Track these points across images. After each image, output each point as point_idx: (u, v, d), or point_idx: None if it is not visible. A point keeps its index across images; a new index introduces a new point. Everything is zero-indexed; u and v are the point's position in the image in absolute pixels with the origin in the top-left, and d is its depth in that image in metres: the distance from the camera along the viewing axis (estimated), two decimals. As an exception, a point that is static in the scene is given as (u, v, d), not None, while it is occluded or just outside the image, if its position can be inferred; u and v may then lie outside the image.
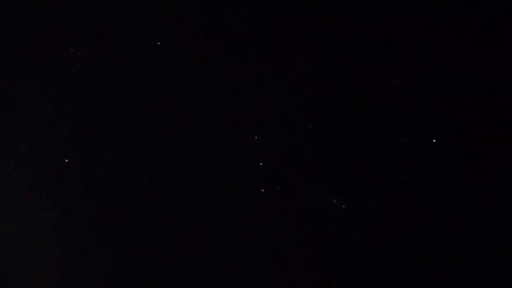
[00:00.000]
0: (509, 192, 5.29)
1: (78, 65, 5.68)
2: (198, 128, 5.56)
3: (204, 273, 5.47)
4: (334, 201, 5.45)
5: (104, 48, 5.65)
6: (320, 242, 5.44)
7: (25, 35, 5.71)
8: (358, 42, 5.49)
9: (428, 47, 5.45)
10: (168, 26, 5.64)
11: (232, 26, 5.58)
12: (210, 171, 5.52)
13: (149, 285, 5.50)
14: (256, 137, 5.51)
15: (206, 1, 5.64)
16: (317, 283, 5.42)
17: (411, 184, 5.39)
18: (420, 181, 5.39)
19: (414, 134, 5.42)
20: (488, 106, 5.38)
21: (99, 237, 5.55)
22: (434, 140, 5.40)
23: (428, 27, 5.46)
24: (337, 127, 5.48)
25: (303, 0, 5.56)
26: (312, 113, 5.51)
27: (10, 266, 5.55)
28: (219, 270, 5.46)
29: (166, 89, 5.61)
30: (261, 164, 5.49)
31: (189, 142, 5.57)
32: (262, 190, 5.47)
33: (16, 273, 5.55)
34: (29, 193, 5.60)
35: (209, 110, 5.57)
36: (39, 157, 5.62)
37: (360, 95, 5.47)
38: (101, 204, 5.56)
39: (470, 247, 5.30)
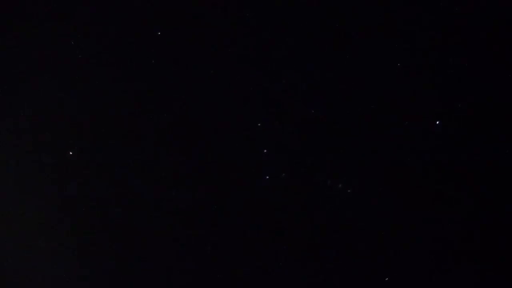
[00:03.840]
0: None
1: (80, 57, 5.68)
2: (202, 116, 5.56)
3: (210, 261, 5.50)
4: (340, 185, 5.46)
5: (107, 40, 5.64)
6: (326, 227, 5.46)
7: (27, 28, 5.69)
8: (360, 32, 5.47)
9: (431, 36, 5.44)
10: (172, 16, 5.63)
11: (236, 16, 5.57)
12: (215, 159, 5.53)
13: (158, 280, 5.54)
14: (259, 124, 5.52)
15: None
16: (322, 266, 5.45)
17: (415, 168, 5.40)
18: (424, 164, 5.40)
19: (417, 117, 5.42)
20: (492, 88, 5.37)
21: (103, 232, 5.57)
22: (437, 122, 5.40)
23: (432, 16, 5.45)
24: (341, 112, 5.48)
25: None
26: (315, 98, 5.51)
27: (12, 264, 5.57)
28: (225, 258, 5.49)
29: (169, 79, 5.61)
30: (265, 151, 5.50)
31: (193, 130, 5.58)
32: (267, 177, 5.49)
33: (19, 270, 5.57)
34: (32, 186, 5.61)
35: (212, 97, 5.57)
36: (42, 150, 5.63)
37: (363, 80, 5.47)
38: (106, 198, 5.57)
39: (473, 231, 5.32)
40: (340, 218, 5.45)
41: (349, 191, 5.46)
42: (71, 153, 5.60)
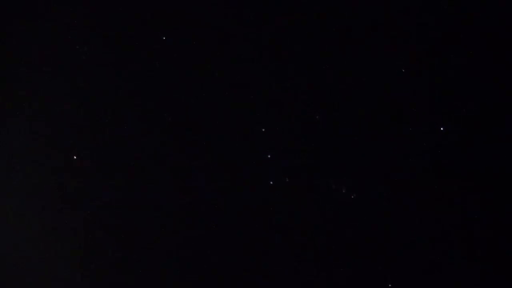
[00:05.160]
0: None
1: (83, 59, 5.67)
2: (206, 121, 5.56)
3: (212, 266, 5.51)
4: (343, 191, 5.46)
5: (110, 44, 5.63)
6: (330, 232, 5.46)
7: (31, 32, 5.69)
8: (364, 34, 5.46)
9: (434, 37, 5.42)
10: (174, 19, 5.62)
11: (240, 21, 5.56)
12: (219, 165, 5.54)
13: (160, 281, 5.55)
14: (263, 129, 5.51)
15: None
16: (325, 271, 5.46)
17: (419, 173, 5.39)
18: (428, 169, 5.39)
19: (422, 123, 5.41)
20: (496, 94, 5.36)
21: (106, 235, 5.59)
22: (442, 129, 5.39)
23: (435, 17, 5.43)
24: (344, 118, 5.47)
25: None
26: (319, 103, 5.50)
27: (13, 266, 5.59)
28: (227, 262, 5.50)
29: (173, 83, 5.61)
30: (269, 156, 5.50)
31: (197, 135, 5.58)
32: (271, 183, 5.49)
33: (21, 272, 5.59)
34: (35, 190, 5.62)
35: (216, 103, 5.57)
36: (46, 154, 5.64)
37: (368, 85, 5.46)
38: (108, 201, 5.59)
39: (477, 235, 5.32)
40: (344, 223, 5.45)
41: (353, 196, 5.46)
42: (75, 157, 5.61)
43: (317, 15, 5.51)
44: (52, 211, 5.61)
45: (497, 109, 5.37)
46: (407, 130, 5.42)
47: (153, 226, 5.57)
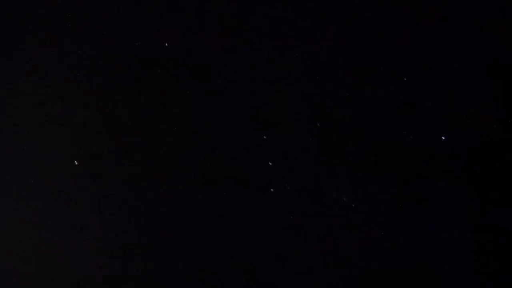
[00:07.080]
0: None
1: (84, 64, 5.66)
2: (207, 129, 5.56)
3: (213, 273, 5.52)
4: (344, 199, 5.46)
5: (111, 48, 5.63)
6: (330, 240, 5.47)
7: (31, 35, 5.68)
8: (366, 39, 5.45)
9: (436, 41, 5.42)
10: (174, 23, 5.61)
11: (240, 25, 5.55)
12: (220, 172, 5.54)
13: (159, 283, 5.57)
14: (265, 137, 5.51)
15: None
16: (325, 278, 5.47)
17: (420, 182, 5.40)
18: (429, 178, 5.39)
19: (424, 131, 5.41)
20: (497, 102, 5.36)
21: (107, 239, 5.59)
22: (443, 138, 5.39)
23: (437, 21, 5.43)
24: (346, 126, 5.47)
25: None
26: (321, 111, 5.50)
27: (13, 268, 5.60)
28: (229, 270, 5.51)
29: (173, 88, 5.60)
30: (270, 163, 5.50)
31: (198, 142, 5.58)
32: (272, 190, 5.49)
33: (21, 272, 5.60)
34: (37, 196, 5.62)
35: (218, 110, 5.56)
36: (48, 160, 5.63)
37: (369, 93, 5.45)
38: (110, 206, 5.59)
39: (478, 245, 5.33)
40: (344, 230, 5.46)
41: (353, 204, 5.46)
42: (76, 162, 5.61)
43: (318, 19, 5.51)
44: (52, 211, 5.62)
45: (496, 110, 5.37)
46: (408, 138, 5.42)
47: (153, 231, 5.58)
